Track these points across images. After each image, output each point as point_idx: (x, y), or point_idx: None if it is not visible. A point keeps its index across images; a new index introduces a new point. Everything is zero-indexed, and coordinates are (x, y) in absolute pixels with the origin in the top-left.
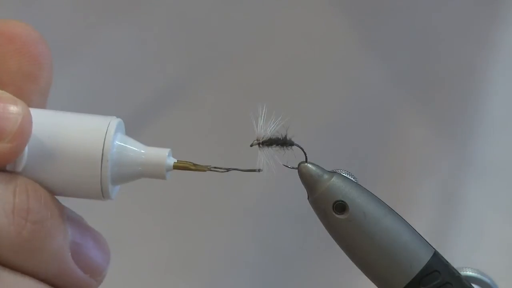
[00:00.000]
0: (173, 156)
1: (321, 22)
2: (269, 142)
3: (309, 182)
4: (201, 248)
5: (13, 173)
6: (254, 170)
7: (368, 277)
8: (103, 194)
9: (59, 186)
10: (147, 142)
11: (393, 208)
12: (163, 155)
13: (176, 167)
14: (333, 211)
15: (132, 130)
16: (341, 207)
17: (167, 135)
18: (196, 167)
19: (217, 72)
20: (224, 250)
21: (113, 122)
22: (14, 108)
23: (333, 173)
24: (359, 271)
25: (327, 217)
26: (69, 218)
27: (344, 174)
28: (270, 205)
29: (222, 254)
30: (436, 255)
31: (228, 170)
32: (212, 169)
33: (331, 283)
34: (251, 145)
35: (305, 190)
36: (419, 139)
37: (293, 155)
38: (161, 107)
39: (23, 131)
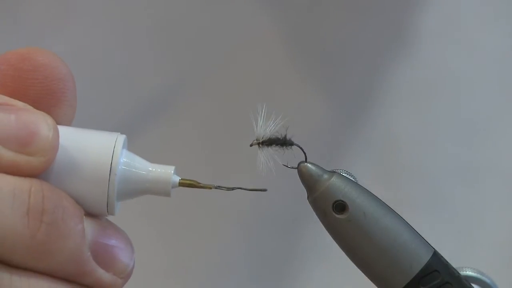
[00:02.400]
0: (174, 157)
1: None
2: (269, 142)
3: (309, 182)
4: (198, 250)
5: None
6: (259, 190)
7: (367, 277)
8: (108, 210)
9: None
10: (141, 148)
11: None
12: (169, 173)
13: (182, 184)
14: (333, 211)
15: (131, 135)
16: (341, 207)
17: (166, 136)
18: (200, 185)
19: (217, 72)
20: (222, 252)
21: (120, 139)
22: (46, 122)
23: (333, 173)
24: (355, 273)
25: (327, 217)
26: (88, 216)
27: (344, 174)
28: (269, 205)
29: (219, 256)
30: (435, 255)
31: (232, 189)
32: (216, 187)
33: (330, 285)
34: (251, 145)
35: (305, 190)
36: (417, 138)
37: (293, 155)
38: (160, 108)
39: (55, 145)
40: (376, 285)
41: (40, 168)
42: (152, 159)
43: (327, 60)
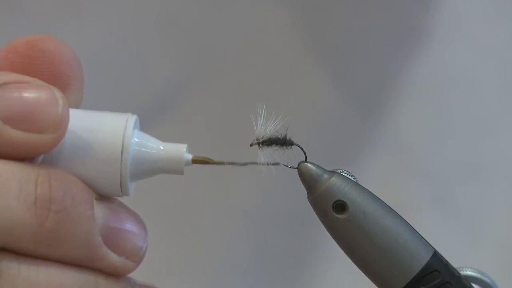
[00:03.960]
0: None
1: (322, 19)
2: (269, 142)
3: (309, 181)
4: (199, 249)
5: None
6: (272, 164)
7: (367, 277)
8: (122, 191)
9: None
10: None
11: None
12: (182, 150)
13: (194, 161)
14: (333, 210)
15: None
16: (341, 206)
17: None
18: (213, 161)
19: (217, 71)
20: (222, 251)
21: (131, 119)
22: (54, 95)
23: (333, 172)
24: (355, 273)
25: (327, 216)
26: (100, 200)
27: (344, 174)
28: (270, 205)
29: (220, 255)
30: (436, 255)
31: (245, 164)
32: (229, 163)
33: (330, 285)
34: (251, 145)
35: (305, 190)
36: (422, 137)
37: (293, 155)
38: (159, 108)
39: (65, 120)
40: (376, 285)
41: (50, 144)
42: None
43: (330, 59)
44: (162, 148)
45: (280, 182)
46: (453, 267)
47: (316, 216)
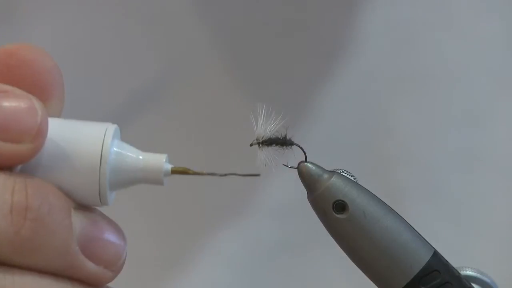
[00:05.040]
0: (171, 158)
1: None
2: (269, 142)
3: (309, 181)
4: (198, 248)
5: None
6: (252, 175)
7: (367, 277)
8: (101, 200)
9: None
10: (140, 143)
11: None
12: (161, 160)
13: (174, 171)
14: (333, 210)
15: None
16: (341, 206)
17: (167, 136)
18: (193, 172)
19: (217, 71)
20: (221, 250)
21: (110, 128)
22: (33, 105)
23: (333, 172)
24: (356, 272)
25: (327, 216)
26: (78, 210)
27: (344, 174)
28: (269, 205)
29: (219, 255)
30: (436, 255)
31: (225, 175)
32: (209, 173)
33: (331, 284)
34: (251, 145)
35: (305, 190)
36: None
37: (293, 155)
38: (160, 107)
39: (43, 130)
40: (376, 285)
41: (28, 155)
42: None
43: (329, 59)
44: (141, 158)
45: (280, 182)
46: (453, 267)
47: (316, 216)
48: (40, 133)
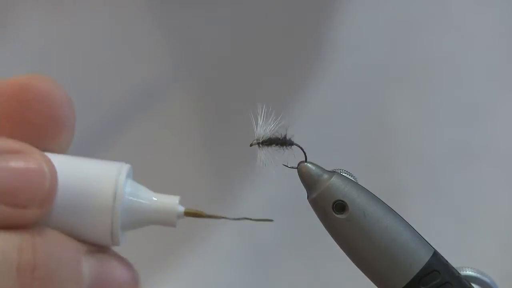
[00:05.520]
0: (174, 158)
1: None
2: (269, 142)
3: (308, 181)
4: (197, 248)
5: None
6: (266, 220)
7: (367, 277)
8: (113, 241)
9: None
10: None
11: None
12: (174, 203)
13: (187, 214)
14: (332, 210)
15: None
16: (340, 206)
17: (165, 135)
18: (206, 215)
19: (217, 71)
20: (220, 250)
21: (124, 168)
22: (43, 168)
23: (332, 172)
24: (356, 272)
25: (326, 217)
26: (89, 254)
27: (343, 174)
28: (269, 205)
29: (218, 255)
30: (435, 255)
31: (239, 219)
32: (223, 217)
33: (331, 283)
34: (251, 145)
35: (305, 190)
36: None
37: (292, 155)
38: (159, 107)
39: (51, 196)
40: (376, 285)
41: (34, 220)
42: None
43: (329, 59)
44: (154, 199)
45: (280, 182)
46: (453, 267)
47: (316, 216)
48: (48, 198)
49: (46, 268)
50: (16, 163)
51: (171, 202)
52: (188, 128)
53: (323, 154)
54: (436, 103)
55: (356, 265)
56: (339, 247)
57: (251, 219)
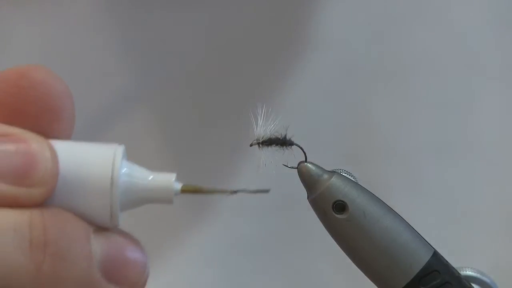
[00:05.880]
0: (174, 158)
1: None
2: (269, 142)
3: (308, 181)
4: (197, 248)
5: None
6: (262, 191)
7: (367, 277)
8: (112, 222)
9: None
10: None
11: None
12: (170, 180)
13: (184, 191)
14: (332, 211)
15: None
16: (340, 206)
17: (165, 136)
18: (203, 190)
19: (217, 71)
20: (219, 251)
21: (119, 149)
22: (43, 148)
23: (333, 172)
24: (356, 273)
25: (326, 217)
26: (97, 232)
27: (344, 174)
28: (269, 205)
29: (217, 255)
30: (435, 255)
31: (235, 192)
32: (219, 191)
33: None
34: (251, 145)
35: (305, 190)
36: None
37: (293, 155)
38: (159, 107)
39: (55, 174)
40: (376, 285)
41: (40, 199)
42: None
43: (329, 59)
44: (151, 178)
45: (280, 182)
46: (453, 267)
47: (316, 217)
48: (51, 177)
49: (57, 244)
50: (18, 146)
51: (168, 179)
52: (188, 128)
53: (323, 154)
54: (419, 99)
55: (356, 265)
56: (339, 247)
57: (248, 191)
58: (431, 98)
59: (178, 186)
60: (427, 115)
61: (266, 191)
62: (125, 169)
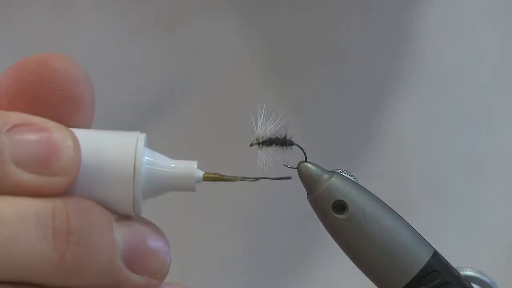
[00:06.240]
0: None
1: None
2: (269, 142)
3: (308, 181)
4: (196, 250)
5: None
6: (284, 178)
7: (367, 277)
8: (135, 210)
9: None
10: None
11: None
12: (192, 168)
13: (206, 178)
14: (332, 210)
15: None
16: (340, 206)
17: (165, 136)
18: (225, 178)
19: (216, 71)
20: (219, 251)
21: (141, 138)
22: (66, 137)
23: (332, 172)
24: (357, 273)
25: (326, 217)
26: (120, 221)
27: (344, 174)
28: (269, 205)
29: (217, 256)
30: (436, 255)
31: (257, 179)
32: (241, 179)
33: (332, 284)
34: (251, 145)
35: (305, 190)
36: (417, 137)
37: (292, 155)
38: (158, 107)
39: (77, 163)
40: (376, 285)
41: (63, 187)
42: None
43: (329, 59)
44: (173, 165)
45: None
46: (453, 267)
47: (316, 218)
48: (74, 166)
49: (80, 233)
50: (40, 135)
51: (190, 167)
52: (186, 129)
53: (323, 154)
54: (447, 113)
55: (356, 265)
56: (339, 247)
57: (269, 178)
58: (458, 113)
59: (200, 173)
60: (454, 130)
61: (288, 177)
62: (147, 157)
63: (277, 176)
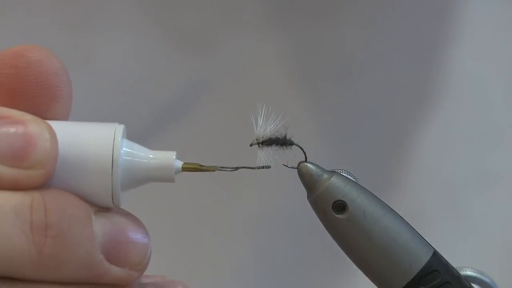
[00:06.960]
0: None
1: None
2: (269, 142)
3: (308, 181)
4: (197, 252)
5: None
6: (263, 167)
7: (367, 277)
8: (114, 201)
9: None
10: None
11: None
12: (171, 158)
13: (184, 168)
14: (332, 210)
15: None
16: (340, 206)
17: (165, 136)
18: (204, 168)
19: (217, 70)
20: (219, 252)
21: (119, 128)
22: (42, 129)
23: (332, 172)
24: (358, 277)
25: (326, 216)
26: (99, 213)
27: (344, 174)
28: (269, 205)
29: (218, 258)
30: (435, 255)
31: (236, 169)
32: (220, 169)
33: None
34: (251, 145)
35: (305, 190)
36: (419, 141)
37: (292, 155)
38: (158, 108)
39: (54, 156)
40: (376, 285)
41: (40, 180)
42: None
43: (329, 59)
44: (151, 156)
45: (279, 182)
46: (453, 267)
47: (317, 217)
48: (50, 158)
49: (59, 226)
50: (16, 127)
51: (168, 157)
52: (187, 128)
53: (323, 155)
54: (458, 126)
55: (356, 265)
56: (339, 247)
57: (248, 168)
58: (474, 128)
59: (179, 164)
60: (469, 144)
61: (268, 167)
62: (126, 148)
63: (256, 166)
